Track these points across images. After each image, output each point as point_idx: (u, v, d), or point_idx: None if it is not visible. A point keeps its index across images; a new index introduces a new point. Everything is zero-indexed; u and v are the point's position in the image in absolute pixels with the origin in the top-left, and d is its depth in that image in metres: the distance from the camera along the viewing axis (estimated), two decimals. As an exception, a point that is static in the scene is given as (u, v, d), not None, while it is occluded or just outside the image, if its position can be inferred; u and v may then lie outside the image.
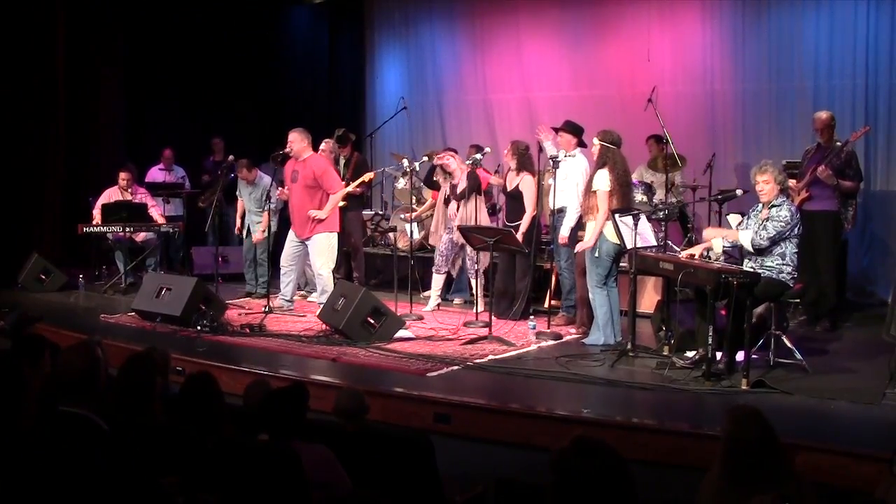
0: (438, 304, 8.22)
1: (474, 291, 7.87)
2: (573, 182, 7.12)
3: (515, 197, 7.61)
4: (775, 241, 5.60)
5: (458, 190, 7.93)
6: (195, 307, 7.25)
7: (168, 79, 11.17)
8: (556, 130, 7.38)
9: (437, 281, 8.20)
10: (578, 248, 6.82)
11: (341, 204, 7.99)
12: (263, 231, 8.61)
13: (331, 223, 7.77)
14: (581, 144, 7.26)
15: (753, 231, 5.64)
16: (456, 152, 8.35)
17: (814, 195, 7.17)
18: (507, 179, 7.81)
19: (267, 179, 8.84)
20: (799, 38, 9.19)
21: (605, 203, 6.47)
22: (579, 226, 7.09)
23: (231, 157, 9.25)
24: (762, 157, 6.50)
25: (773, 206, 5.70)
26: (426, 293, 8.42)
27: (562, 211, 7.16)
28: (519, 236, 7.25)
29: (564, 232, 7.14)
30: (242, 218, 9.17)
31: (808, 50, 9.13)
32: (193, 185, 10.71)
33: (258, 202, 8.90)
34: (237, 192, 9.20)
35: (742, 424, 2.96)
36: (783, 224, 5.58)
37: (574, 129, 7.29)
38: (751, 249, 5.60)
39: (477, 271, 7.75)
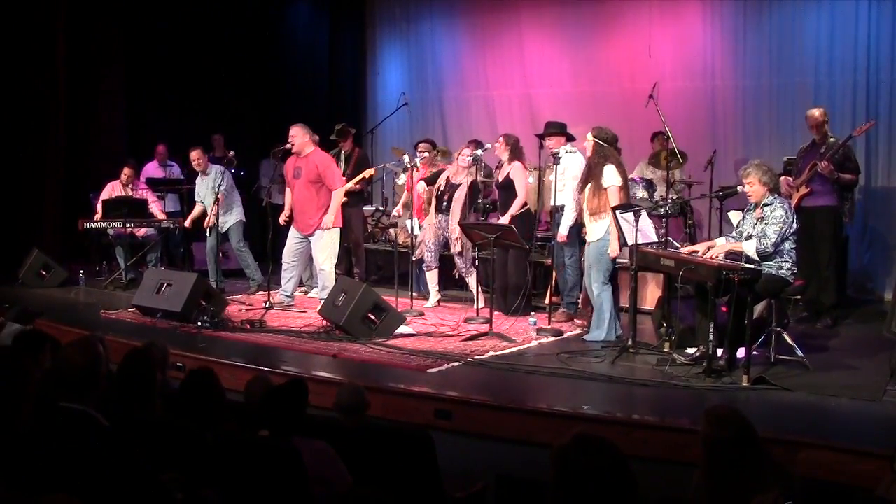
0: (439, 300, 8.22)
1: (472, 288, 7.86)
2: (569, 177, 7.13)
3: (507, 187, 7.59)
4: (779, 243, 5.59)
5: (458, 191, 7.91)
6: (196, 303, 7.25)
7: (168, 76, 11.17)
8: (541, 137, 7.42)
9: (431, 277, 8.20)
10: (611, 252, 6.53)
11: (343, 200, 7.99)
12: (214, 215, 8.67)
13: (334, 219, 7.78)
14: (569, 138, 7.32)
15: (756, 239, 5.60)
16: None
17: (815, 191, 7.17)
18: (499, 172, 7.78)
19: (217, 167, 8.94)
20: (800, 34, 9.19)
21: (616, 200, 6.48)
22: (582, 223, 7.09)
23: (231, 153, 9.22)
24: (763, 154, 6.51)
25: (766, 204, 5.70)
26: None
27: (562, 209, 7.17)
28: (506, 218, 7.29)
29: (563, 230, 7.14)
30: (202, 216, 9.03)
31: (809, 46, 9.12)
32: (188, 182, 10.69)
33: (216, 187, 8.83)
34: (198, 193, 9.08)
35: (718, 425, 2.96)
36: (781, 224, 5.57)
37: (559, 129, 7.34)
38: (757, 258, 5.58)
39: (477, 267, 7.76)
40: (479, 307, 7.53)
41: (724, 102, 9.69)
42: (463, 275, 8.07)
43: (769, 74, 9.36)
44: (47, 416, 2.96)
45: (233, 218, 9.02)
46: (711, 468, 2.91)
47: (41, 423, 2.93)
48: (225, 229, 8.96)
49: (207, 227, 8.91)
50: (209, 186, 8.90)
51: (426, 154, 8.59)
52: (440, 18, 11.91)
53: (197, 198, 9.15)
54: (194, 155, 8.92)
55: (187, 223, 9.12)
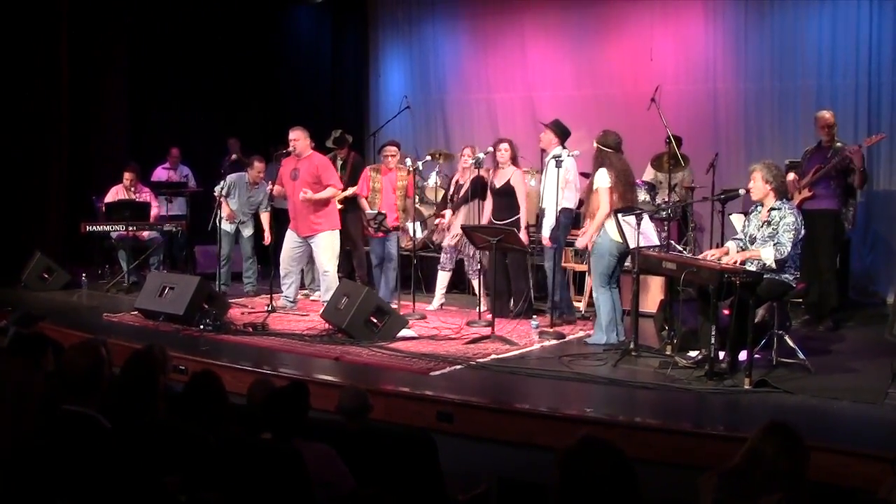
0: (442, 304, 8.22)
1: (476, 291, 7.87)
2: (562, 181, 7.10)
3: (507, 193, 7.56)
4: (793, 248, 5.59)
5: (462, 192, 7.96)
6: (198, 306, 7.25)
7: (171, 78, 11.20)
8: (547, 125, 7.42)
9: (443, 278, 8.20)
10: (578, 243, 6.90)
11: (339, 207, 8.02)
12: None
13: (332, 221, 7.82)
14: (562, 144, 7.31)
15: (773, 248, 5.56)
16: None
17: (817, 194, 7.17)
18: (495, 176, 7.74)
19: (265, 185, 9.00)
20: (802, 36, 9.18)
21: (606, 200, 6.48)
22: (575, 225, 7.10)
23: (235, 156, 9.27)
24: (764, 157, 6.50)
25: (773, 209, 5.68)
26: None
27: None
28: (522, 234, 7.27)
29: (545, 233, 7.14)
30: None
31: (811, 49, 9.12)
32: (201, 185, 10.67)
33: (257, 205, 9.03)
34: (224, 192, 8.87)
35: (769, 443, 2.92)
36: (795, 231, 5.54)
37: (558, 129, 7.33)
38: (774, 266, 5.57)
39: (478, 270, 7.77)
40: (482, 310, 7.53)
41: (726, 105, 9.69)
42: (470, 276, 8.07)
43: (771, 77, 9.36)
44: (50, 419, 2.97)
45: (252, 229, 9.20)
46: (742, 476, 2.87)
47: (44, 426, 2.94)
48: (244, 236, 9.17)
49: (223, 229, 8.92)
50: (253, 200, 9.05)
51: (392, 157, 8.46)
52: (442, 21, 11.92)
53: (223, 193, 8.82)
54: (261, 166, 9.05)
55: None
